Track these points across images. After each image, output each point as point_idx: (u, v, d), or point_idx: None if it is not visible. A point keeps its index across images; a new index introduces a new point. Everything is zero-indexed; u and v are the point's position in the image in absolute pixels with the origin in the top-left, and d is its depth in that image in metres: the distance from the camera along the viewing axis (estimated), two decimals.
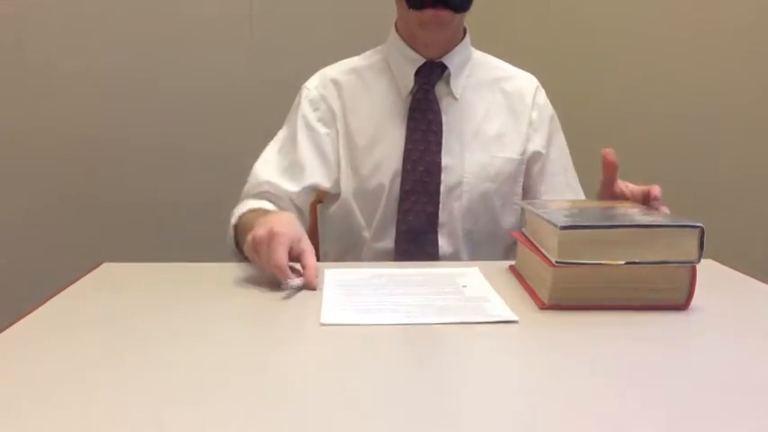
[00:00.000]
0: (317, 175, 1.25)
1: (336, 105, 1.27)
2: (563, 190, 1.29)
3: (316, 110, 1.27)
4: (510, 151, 1.26)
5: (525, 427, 0.54)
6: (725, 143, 2.07)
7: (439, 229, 1.22)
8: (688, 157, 2.06)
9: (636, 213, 0.87)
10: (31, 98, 1.97)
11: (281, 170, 1.25)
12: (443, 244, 1.22)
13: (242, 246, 1.12)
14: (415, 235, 1.20)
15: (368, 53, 1.32)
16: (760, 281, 0.96)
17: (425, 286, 0.93)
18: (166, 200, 2.02)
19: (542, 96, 1.30)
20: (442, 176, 1.22)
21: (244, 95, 1.98)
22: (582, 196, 1.31)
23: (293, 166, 1.25)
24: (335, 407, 0.57)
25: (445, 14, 1.16)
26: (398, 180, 1.22)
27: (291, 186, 1.23)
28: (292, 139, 1.27)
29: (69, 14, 1.95)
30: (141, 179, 2.02)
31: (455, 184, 1.23)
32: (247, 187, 1.25)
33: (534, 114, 1.27)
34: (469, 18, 1.25)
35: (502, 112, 1.26)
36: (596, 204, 1.02)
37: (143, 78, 1.99)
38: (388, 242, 1.22)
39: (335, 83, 1.28)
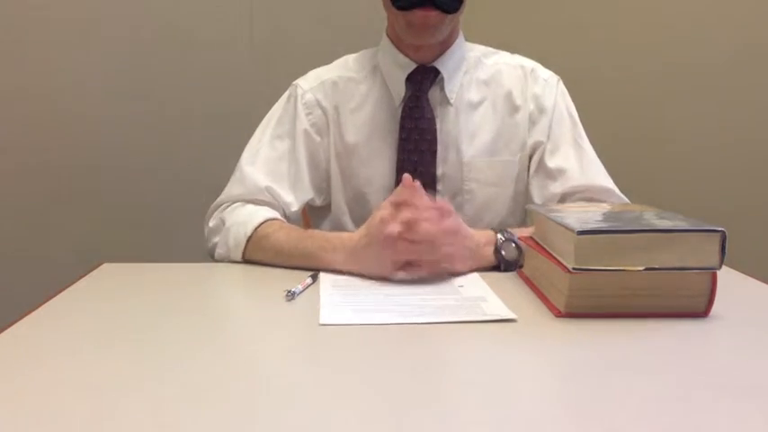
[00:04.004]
0: (313, 190, 1.23)
1: (330, 112, 1.23)
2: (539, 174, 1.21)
3: (309, 114, 1.22)
4: (510, 152, 1.21)
5: (527, 427, 0.53)
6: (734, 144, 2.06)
7: None
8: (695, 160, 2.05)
9: (653, 217, 0.85)
10: (31, 98, 1.96)
11: (279, 176, 1.19)
12: None
13: (259, 255, 1.08)
14: None
15: (362, 55, 1.27)
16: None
17: (422, 286, 0.94)
18: (166, 200, 2.01)
19: (540, 82, 1.22)
20: (441, 187, 1.19)
21: (244, 95, 1.97)
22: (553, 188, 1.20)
23: (291, 177, 1.20)
24: (335, 407, 0.57)
25: (434, 15, 1.10)
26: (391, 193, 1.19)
27: (291, 198, 1.19)
28: (290, 145, 1.22)
29: (69, 14, 1.94)
30: (141, 179, 2.01)
31: (455, 194, 1.20)
32: (242, 191, 1.18)
33: (532, 106, 1.21)
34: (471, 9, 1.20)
35: (500, 110, 1.21)
36: (608, 208, 1.00)
37: (143, 78, 1.98)
38: None
39: (332, 88, 1.23)
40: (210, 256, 1.15)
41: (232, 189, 1.19)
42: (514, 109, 1.21)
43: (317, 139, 1.23)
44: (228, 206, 1.17)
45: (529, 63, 1.25)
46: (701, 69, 2.03)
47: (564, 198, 1.18)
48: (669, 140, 2.06)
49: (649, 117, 2.06)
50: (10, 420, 0.54)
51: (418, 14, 1.10)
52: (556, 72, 1.26)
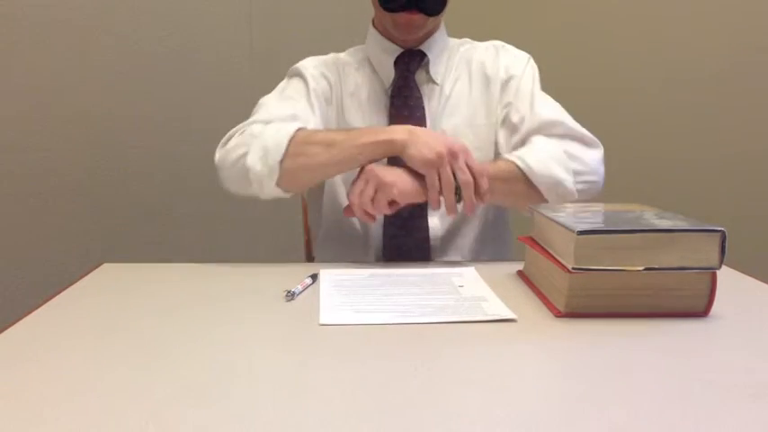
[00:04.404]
0: None
1: (334, 86, 1.27)
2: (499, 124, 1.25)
3: (316, 84, 1.25)
4: (489, 119, 1.25)
5: (527, 427, 0.53)
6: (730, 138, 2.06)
7: (430, 213, 1.21)
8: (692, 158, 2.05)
9: (653, 217, 0.85)
10: (32, 98, 1.96)
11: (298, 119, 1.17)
12: (435, 227, 1.22)
13: (302, 155, 1.06)
14: (404, 221, 1.19)
15: (350, 50, 1.33)
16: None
17: (422, 286, 0.94)
18: (167, 200, 2.01)
19: (508, 55, 1.29)
20: None
21: (243, 97, 1.97)
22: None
23: (309, 123, 1.18)
24: (335, 407, 0.57)
25: (418, 18, 1.18)
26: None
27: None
28: (303, 104, 1.21)
29: (69, 15, 1.94)
30: (141, 179, 2.01)
31: None
32: (259, 117, 1.16)
33: (503, 75, 1.26)
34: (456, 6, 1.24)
35: (476, 84, 1.27)
36: (607, 208, 1.00)
37: (143, 79, 1.98)
38: (377, 230, 1.22)
39: (333, 64, 1.29)
40: (229, 182, 1.14)
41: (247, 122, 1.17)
42: (488, 80, 1.27)
43: (326, 105, 1.26)
44: (246, 129, 1.14)
45: (500, 42, 1.32)
46: (702, 69, 2.03)
47: (523, 142, 1.19)
48: (669, 140, 2.06)
49: (649, 117, 2.06)
50: (10, 420, 0.54)
51: (404, 16, 1.18)
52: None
